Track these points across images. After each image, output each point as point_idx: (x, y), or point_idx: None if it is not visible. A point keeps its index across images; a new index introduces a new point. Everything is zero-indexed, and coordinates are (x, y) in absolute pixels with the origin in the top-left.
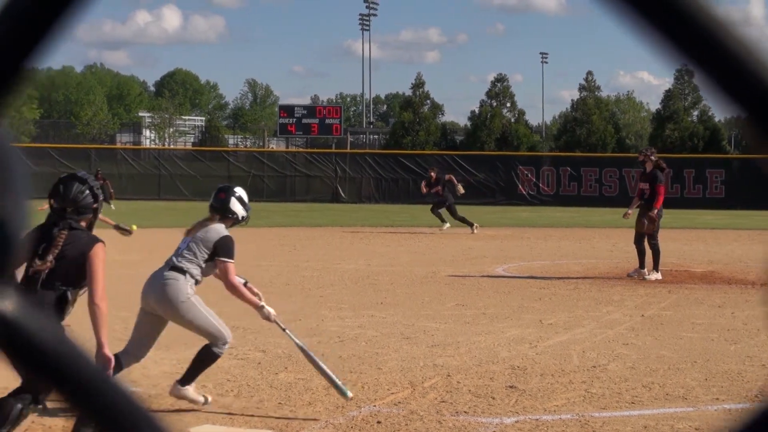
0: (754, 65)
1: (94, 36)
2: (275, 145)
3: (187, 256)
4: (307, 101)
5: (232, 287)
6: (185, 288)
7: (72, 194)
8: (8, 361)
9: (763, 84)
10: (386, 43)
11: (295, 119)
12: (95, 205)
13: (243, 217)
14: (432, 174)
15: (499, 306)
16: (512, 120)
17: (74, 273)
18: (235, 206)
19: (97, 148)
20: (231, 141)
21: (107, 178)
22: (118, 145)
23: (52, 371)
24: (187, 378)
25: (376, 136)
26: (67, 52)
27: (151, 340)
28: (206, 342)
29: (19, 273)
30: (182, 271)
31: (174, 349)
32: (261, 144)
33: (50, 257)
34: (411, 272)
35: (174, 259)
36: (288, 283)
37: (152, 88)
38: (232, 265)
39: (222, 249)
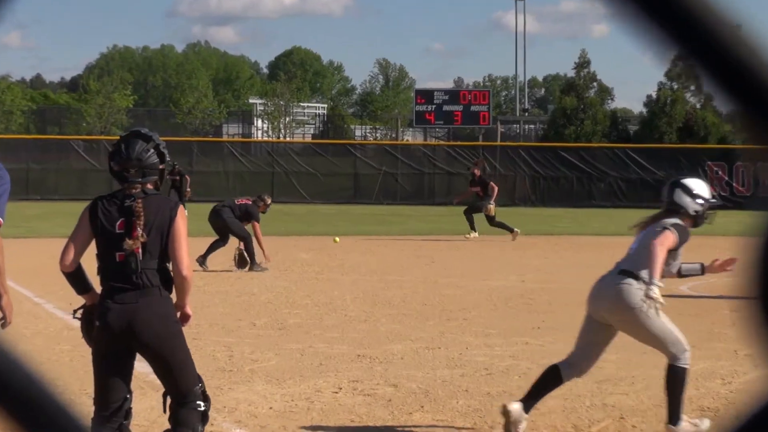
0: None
1: (197, 9)
2: (411, 137)
3: (635, 257)
4: (449, 85)
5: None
6: (638, 293)
7: (136, 153)
8: None
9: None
10: (544, 15)
11: (434, 106)
12: (162, 166)
13: (696, 212)
14: (476, 171)
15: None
16: (698, 106)
17: (165, 243)
18: (683, 199)
19: (200, 141)
20: (358, 132)
21: (187, 174)
22: (225, 138)
23: None
24: (672, 414)
25: (531, 126)
26: (166, 29)
27: (597, 352)
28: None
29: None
30: (633, 275)
31: (286, 383)
32: (394, 136)
33: (140, 231)
34: (574, 290)
35: (625, 261)
36: (425, 303)
37: (265, 70)
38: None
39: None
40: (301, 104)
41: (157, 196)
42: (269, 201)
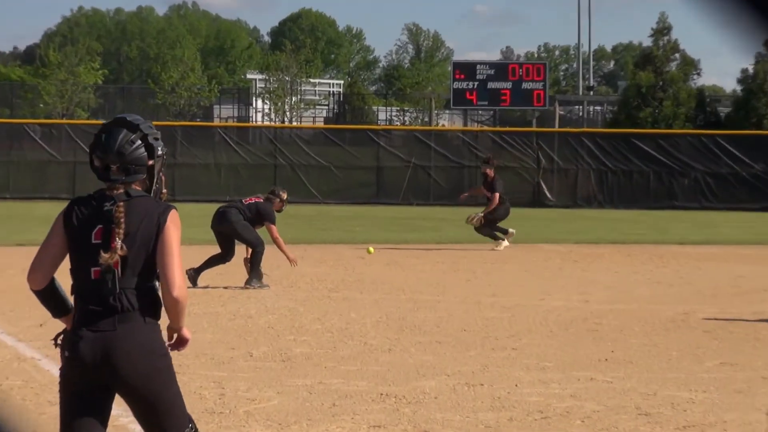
0: None
1: None
2: (447, 122)
3: None
4: (495, 57)
5: None
6: None
7: (117, 145)
8: None
9: None
10: None
11: (476, 83)
12: (151, 162)
13: None
14: (488, 171)
15: None
16: None
17: (151, 257)
18: None
19: (186, 127)
20: (381, 116)
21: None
22: (217, 122)
23: None
24: None
25: (598, 108)
26: None
27: None
28: None
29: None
30: None
31: (291, 428)
32: (426, 120)
33: (118, 243)
34: (651, 313)
35: None
36: (464, 329)
37: (267, 39)
38: None
39: None
40: (312, 80)
41: (144, 199)
42: (285, 195)
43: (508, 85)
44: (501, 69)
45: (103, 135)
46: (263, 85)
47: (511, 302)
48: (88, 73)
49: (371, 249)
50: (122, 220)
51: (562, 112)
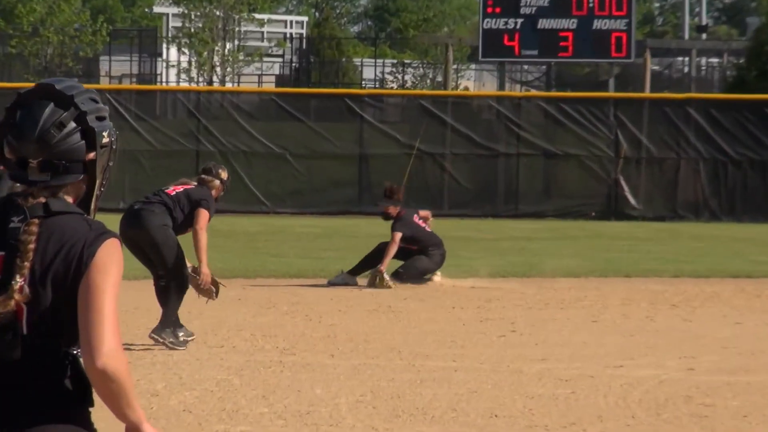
0: None
1: None
2: (473, 84)
3: None
4: None
5: None
6: None
7: (40, 128)
8: None
9: None
10: None
11: (520, 21)
12: (92, 155)
13: None
14: (389, 209)
15: None
16: None
17: (73, 306)
18: None
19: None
20: (368, 73)
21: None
22: (105, 84)
23: None
24: None
25: (714, 61)
26: None
27: None
28: None
29: None
30: None
31: None
32: (440, 80)
33: (20, 282)
34: None
35: None
36: (496, 414)
37: None
38: None
39: None
40: (258, 17)
41: (70, 219)
42: (225, 175)
43: (571, 23)
44: (557, 1)
45: (18, 112)
46: (179, 25)
47: (570, 371)
48: None
49: (389, 281)
50: (30, 247)
51: (656, 68)
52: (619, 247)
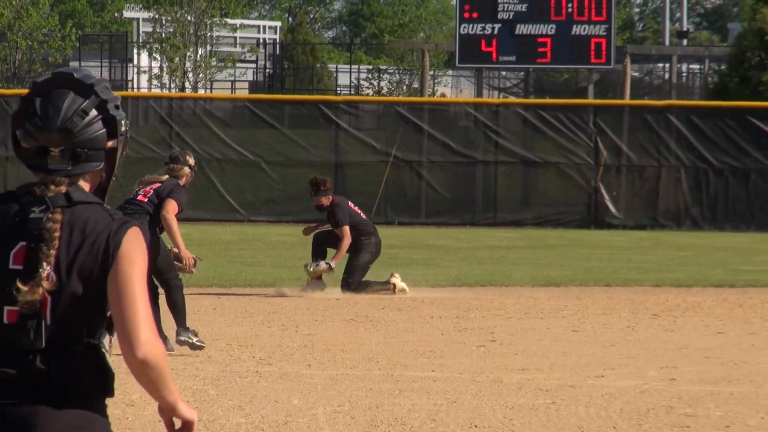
0: None
1: None
2: (450, 91)
3: None
4: None
5: None
6: None
7: (62, 116)
8: None
9: None
10: None
11: (498, 26)
12: (111, 143)
13: None
14: (323, 201)
15: None
16: None
17: (98, 297)
18: None
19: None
20: (344, 79)
21: None
22: None
23: None
24: None
25: (696, 67)
26: None
27: None
28: None
29: None
30: None
31: None
32: (417, 87)
33: (48, 270)
34: None
35: None
36: (476, 424)
37: None
38: None
39: None
40: (230, 21)
41: (92, 208)
42: (193, 161)
43: (550, 28)
44: (538, 2)
45: (38, 100)
46: (150, 30)
47: (551, 381)
48: None
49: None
50: (56, 235)
51: (636, 74)
52: (600, 256)
